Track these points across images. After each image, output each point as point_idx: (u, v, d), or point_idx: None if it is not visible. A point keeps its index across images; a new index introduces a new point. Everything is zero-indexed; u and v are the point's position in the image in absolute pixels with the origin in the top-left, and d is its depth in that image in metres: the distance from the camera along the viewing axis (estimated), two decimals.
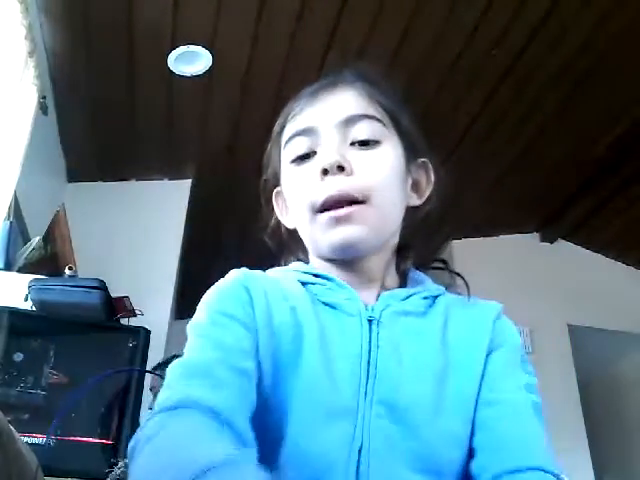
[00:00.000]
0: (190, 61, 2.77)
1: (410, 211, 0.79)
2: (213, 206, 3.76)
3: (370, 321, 0.70)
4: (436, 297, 0.77)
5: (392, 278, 0.77)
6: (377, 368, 0.67)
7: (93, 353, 1.84)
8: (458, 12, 2.57)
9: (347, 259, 0.73)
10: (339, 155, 0.70)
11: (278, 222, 0.82)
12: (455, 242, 4.20)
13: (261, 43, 2.70)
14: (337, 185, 0.69)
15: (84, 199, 3.27)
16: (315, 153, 0.73)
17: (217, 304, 0.71)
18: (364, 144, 0.72)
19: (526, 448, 0.69)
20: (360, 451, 0.63)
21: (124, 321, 2.11)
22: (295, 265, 0.79)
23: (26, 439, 1.38)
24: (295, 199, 0.75)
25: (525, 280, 4.07)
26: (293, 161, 0.75)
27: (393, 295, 0.74)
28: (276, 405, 0.64)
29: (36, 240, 2.27)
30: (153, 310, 2.50)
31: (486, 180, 3.63)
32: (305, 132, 0.74)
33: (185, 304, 4.26)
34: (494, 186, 3.68)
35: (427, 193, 0.80)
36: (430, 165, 0.81)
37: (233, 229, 3.92)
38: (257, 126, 3.20)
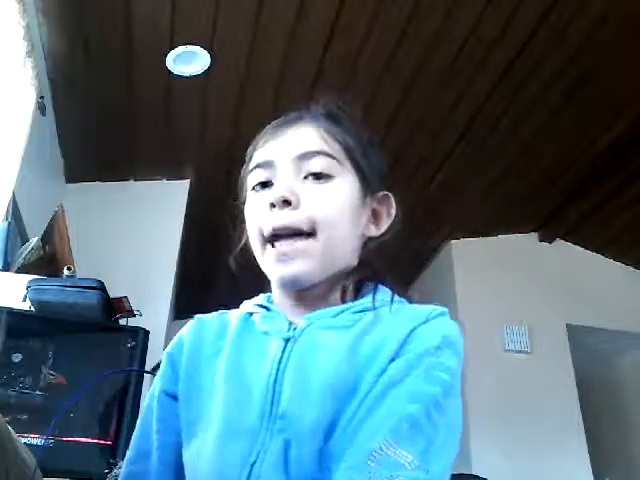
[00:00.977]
0: (189, 61, 2.77)
1: (368, 240, 0.82)
2: (212, 206, 3.76)
3: (288, 340, 0.72)
4: (370, 310, 0.74)
5: (337, 296, 0.77)
6: (282, 384, 0.69)
7: (92, 354, 1.83)
8: (456, 12, 2.57)
9: (298, 292, 0.76)
10: (287, 190, 0.74)
11: (245, 245, 0.86)
12: (454, 242, 4.21)
13: (259, 43, 2.70)
14: (282, 218, 0.73)
15: (82, 199, 3.27)
16: (272, 184, 0.77)
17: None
18: (317, 178, 0.76)
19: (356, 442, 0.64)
20: (253, 465, 0.65)
21: (123, 321, 2.11)
22: (256, 298, 0.84)
23: (24, 439, 1.38)
24: (249, 225, 0.80)
25: (524, 280, 4.07)
26: (252, 188, 0.80)
27: (325, 313, 0.74)
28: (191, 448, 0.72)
29: (34, 240, 2.27)
30: (152, 310, 2.50)
31: (485, 180, 3.64)
32: (264, 165, 0.79)
33: (184, 304, 4.26)
34: (493, 186, 3.68)
35: (386, 225, 0.83)
36: (392, 199, 0.84)
37: (232, 229, 3.92)
38: (256, 126, 3.19)
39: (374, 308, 0.74)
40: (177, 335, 0.82)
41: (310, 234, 0.73)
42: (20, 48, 2.31)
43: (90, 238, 2.92)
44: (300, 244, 0.73)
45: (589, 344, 4.10)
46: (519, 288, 4.04)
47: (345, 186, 0.77)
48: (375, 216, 0.83)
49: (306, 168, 0.76)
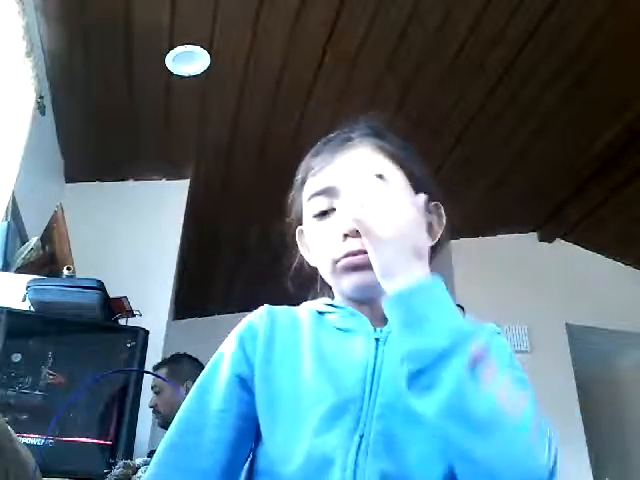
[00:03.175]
0: (188, 61, 2.77)
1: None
2: (211, 206, 3.76)
3: (377, 340, 0.77)
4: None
5: None
6: (381, 377, 0.73)
7: (91, 353, 1.83)
8: (455, 12, 2.57)
9: (368, 298, 0.79)
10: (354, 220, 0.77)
11: (302, 259, 0.91)
12: (454, 242, 4.20)
13: (259, 43, 2.70)
14: (356, 245, 0.76)
15: (82, 199, 3.27)
16: (334, 210, 0.81)
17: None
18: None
19: None
20: (362, 437, 0.69)
21: (122, 321, 2.11)
22: (321, 299, 0.88)
23: (24, 439, 1.38)
24: (318, 251, 0.83)
25: (523, 279, 4.07)
26: (315, 216, 0.83)
27: None
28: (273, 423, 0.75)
29: (34, 240, 2.27)
30: (151, 310, 2.50)
31: (484, 180, 3.64)
32: (325, 192, 0.82)
33: (183, 304, 4.26)
34: (492, 186, 3.69)
35: (438, 235, 0.86)
36: (442, 209, 0.88)
37: (231, 229, 3.92)
38: (255, 126, 3.21)
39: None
40: (246, 320, 0.84)
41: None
42: (19, 48, 2.31)
43: (90, 238, 2.92)
44: (363, 257, 0.74)
45: (589, 344, 4.10)
46: (519, 288, 4.04)
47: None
48: (430, 227, 0.85)
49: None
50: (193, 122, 3.17)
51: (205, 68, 2.81)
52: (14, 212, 2.36)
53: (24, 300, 1.91)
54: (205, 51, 2.72)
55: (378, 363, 0.75)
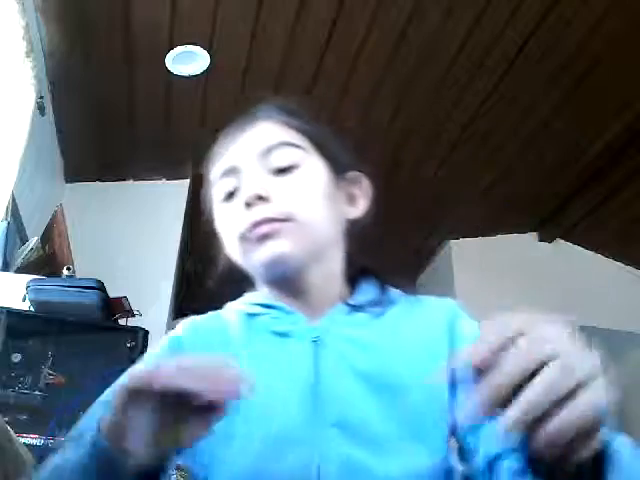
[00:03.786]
0: (188, 61, 2.77)
1: (353, 224, 0.81)
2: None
3: (316, 341, 0.72)
4: (384, 305, 0.77)
5: (339, 290, 0.79)
6: (325, 390, 0.68)
7: (91, 354, 1.83)
8: (455, 12, 2.57)
9: (286, 278, 0.75)
10: (257, 186, 0.73)
11: (227, 258, 0.83)
12: (453, 242, 4.21)
13: (259, 43, 2.70)
14: (259, 213, 0.72)
15: (82, 199, 3.27)
16: (239, 189, 0.76)
17: None
18: (284, 170, 0.75)
19: None
20: (319, 473, 0.63)
21: (122, 321, 2.11)
22: (246, 298, 0.82)
23: (24, 440, 1.38)
24: (226, 233, 0.78)
25: (523, 280, 4.07)
26: (222, 200, 0.78)
27: (340, 308, 0.76)
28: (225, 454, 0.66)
29: (34, 240, 2.27)
30: (151, 310, 2.50)
31: (484, 180, 3.64)
32: (228, 172, 0.78)
33: (183, 304, 4.26)
34: (492, 186, 3.69)
35: (363, 206, 0.83)
36: (364, 178, 0.84)
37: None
38: None
39: (389, 302, 0.77)
40: (167, 337, 0.78)
41: (282, 221, 0.73)
42: (19, 48, 2.31)
43: (90, 238, 2.92)
44: (278, 225, 0.72)
45: (589, 344, 4.09)
46: (518, 288, 4.04)
47: (313, 172, 0.77)
48: (351, 198, 0.82)
49: (271, 163, 0.76)
50: (193, 122, 3.17)
51: (205, 68, 2.81)
52: (14, 212, 2.36)
53: (24, 300, 1.91)
54: (205, 51, 2.72)
55: (321, 373, 0.69)
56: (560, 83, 2.95)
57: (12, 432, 1.01)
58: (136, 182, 3.55)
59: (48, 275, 2.12)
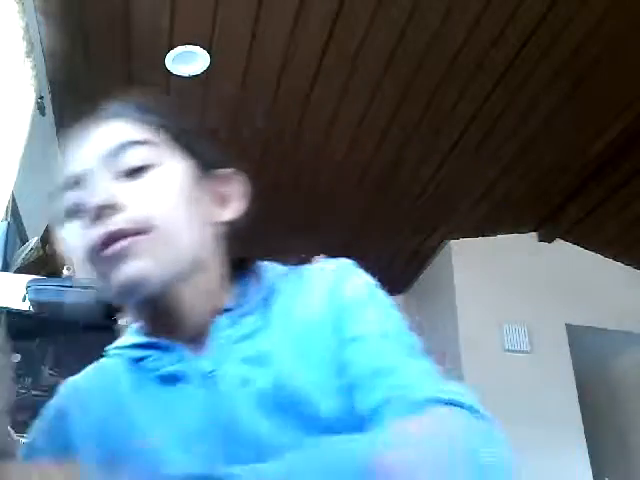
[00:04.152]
0: (188, 61, 2.77)
1: (228, 226, 0.71)
2: None
3: (206, 376, 0.63)
4: (268, 296, 0.69)
5: (221, 299, 0.68)
6: (235, 431, 0.60)
7: (91, 354, 1.83)
8: (455, 12, 2.57)
9: (153, 302, 0.64)
10: (103, 196, 0.61)
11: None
12: (453, 242, 4.20)
13: (259, 43, 2.70)
14: (110, 225, 0.60)
15: None
16: (85, 201, 0.64)
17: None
18: (135, 172, 0.64)
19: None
20: None
21: (122, 321, 2.11)
22: (126, 338, 0.73)
23: (24, 440, 1.37)
24: (75, 257, 0.65)
25: (523, 280, 4.07)
26: (65, 218, 0.66)
27: (225, 321, 0.66)
28: None
29: (34, 240, 2.27)
30: None
31: (484, 180, 3.64)
32: (71, 184, 0.65)
33: None
34: (492, 186, 3.68)
35: (237, 206, 0.71)
36: (238, 177, 0.73)
37: None
38: (255, 126, 3.20)
39: (272, 290, 0.69)
40: (49, 406, 0.70)
41: (140, 232, 0.61)
42: (19, 48, 2.31)
43: None
44: (131, 240, 0.60)
45: (589, 344, 4.10)
46: (518, 288, 4.04)
47: (170, 171, 0.65)
48: (222, 198, 0.71)
49: (120, 166, 0.64)
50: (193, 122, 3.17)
51: (205, 68, 2.81)
52: (14, 212, 2.36)
53: (24, 300, 1.90)
54: (205, 51, 2.72)
55: (224, 412, 0.61)
56: (560, 83, 2.95)
57: (12, 432, 1.01)
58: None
59: (48, 275, 2.11)
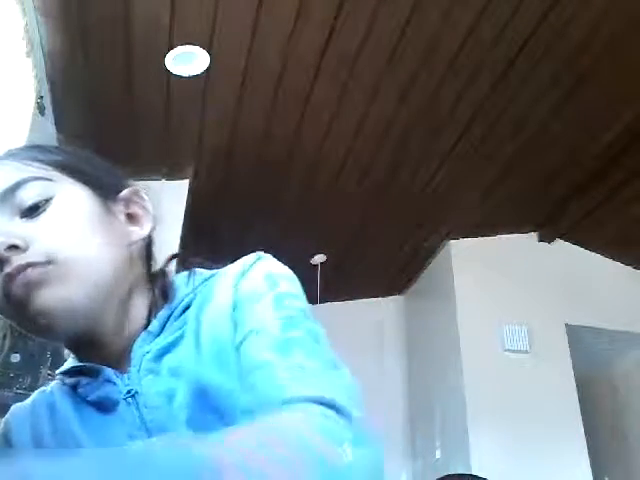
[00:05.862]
0: (188, 61, 2.77)
1: (144, 242, 0.73)
2: (211, 206, 3.76)
3: (132, 396, 0.63)
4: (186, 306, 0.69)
5: (141, 317, 0.68)
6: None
7: None
8: (456, 11, 2.57)
9: (78, 332, 0.63)
10: (7, 236, 0.60)
11: None
12: (453, 242, 4.21)
13: (259, 44, 2.70)
14: (12, 264, 0.60)
15: None
16: None
17: None
18: (34, 209, 0.63)
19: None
20: None
21: None
22: (64, 366, 0.72)
23: None
24: None
25: (523, 279, 4.07)
26: None
27: (143, 339, 0.66)
28: None
29: None
30: None
31: (484, 180, 3.64)
32: None
33: None
34: (492, 186, 3.69)
35: (148, 222, 0.74)
36: (141, 193, 0.75)
37: (231, 229, 3.92)
38: (255, 126, 3.21)
39: (186, 296, 0.69)
40: None
41: (47, 264, 0.61)
42: (19, 48, 2.31)
43: None
44: (38, 270, 0.60)
45: (589, 344, 4.10)
46: (518, 288, 4.04)
47: (70, 202, 0.65)
48: (132, 218, 0.73)
49: (17, 206, 0.63)
50: (193, 122, 3.17)
51: (205, 68, 2.81)
52: None
53: None
54: (205, 51, 2.72)
55: (152, 432, 0.61)
56: (560, 83, 2.95)
57: None
58: (136, 182, 3.54)
59: None
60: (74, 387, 0.68)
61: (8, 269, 0.59)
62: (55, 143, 3.18)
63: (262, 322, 0.62)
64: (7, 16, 2.21)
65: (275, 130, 3.20)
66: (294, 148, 3.32)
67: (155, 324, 0.67)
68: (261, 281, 0.66)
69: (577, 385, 3.83)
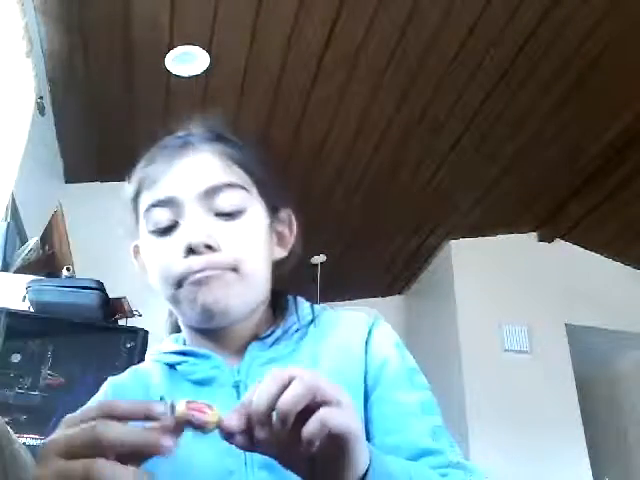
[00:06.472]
0: (188, 61, 2.77)
1: (278, 263, 0.77)
2: None
3: (237, 386, 0.69)
4: (303, 329, 0.75)
5: (260, 325, 0.75)
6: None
7: (91, 354, 1.83)
8: (455, 11, 2.57)
9: (220, 328, 0.71)
10: (205, 234, 0.68)
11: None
12: (453, 242, 4.21)
13: (258, 44, 2.70)
14: (202, 261, 0.67)
15: (81, 200, 3.26)
16: (177, 224, 0.70)
17: None
18: (229, 215, 0.70)
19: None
20: None
21: (122, 322, 2.11)
22: (163, 346, 0.79)
23: (24, 440, 1.38)
24: (157, 272, 0.72)
25: (523, 280, 4.07)
26: (154, 231, 0.72)
27: (258, 346, 0.72)
28: None
29: (34, 241, 2.27)
30: (152, 310, 2.50)
31: (484, 180, 3.64)
32: (165, 203, 0.71)
33: None
34: (492, 186, 3.69)
35: (290, 244, 0.79)
36: (292, 216, 0.80)
37: None
38: (254, 126, 3.20)
39: (308, 324, 0.75)
40: (96, 398, 0.74)
41: (234, 269, 0.69)
42: (19, 48, 2.31)
43: (89, 238, 2.92)
44: (222, 272, 0.67)
45: (589, 344, 4.10)
46: (518, 288, 4.04)
47: (257, 217, 0.73)
48: (281, 238, 0.78)
49: (215, 205, 0.70)
50: None
51: (205, 68, 2.81)
52: (14, 212, 2.36)
53: (24, 300, 1.90)
54: (205, 51, 2.72)
55: None
56: (560, 83, 2.95)
57: (12, 433, 1.01)
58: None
59: (48, 275, 2.11)
60: (172, 365, 0.73)
61: (197, 263, 0.67)
62: (55, 143, 3.18)
63: (414, 399, 0.70)
64: (7, 16, 2.21)
65: (275, 130, 3.20)
66: (294, 148, 3.33)
67: (273, 336, 0.73)
68: (394, 347, 0.74)
69: (577, 385, 3.83)
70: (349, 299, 4.82)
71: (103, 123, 3.15)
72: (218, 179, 0.71)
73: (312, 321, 0.75)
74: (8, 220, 2.26)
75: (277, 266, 0.76)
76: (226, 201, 0.70)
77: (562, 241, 4.25)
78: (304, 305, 0.78)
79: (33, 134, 2.50)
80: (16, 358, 1.74)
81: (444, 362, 4.00)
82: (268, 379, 0.47)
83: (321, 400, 0.47)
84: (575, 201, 3.81)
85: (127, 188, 0.80)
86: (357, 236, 4.12)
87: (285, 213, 0.79)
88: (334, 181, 3.61)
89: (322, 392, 0.47)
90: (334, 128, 3.20)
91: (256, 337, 0.73)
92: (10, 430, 1.00)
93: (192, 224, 0.69)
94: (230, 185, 0.71)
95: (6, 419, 1.20)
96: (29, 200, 2.58)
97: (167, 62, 2.76)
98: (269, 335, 0.73)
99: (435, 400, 0.72)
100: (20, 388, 1.70)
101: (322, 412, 0.46)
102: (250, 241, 0.71)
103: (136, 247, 0.81)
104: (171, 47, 2.69)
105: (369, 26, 2.63)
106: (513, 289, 4.04)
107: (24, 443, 1.24)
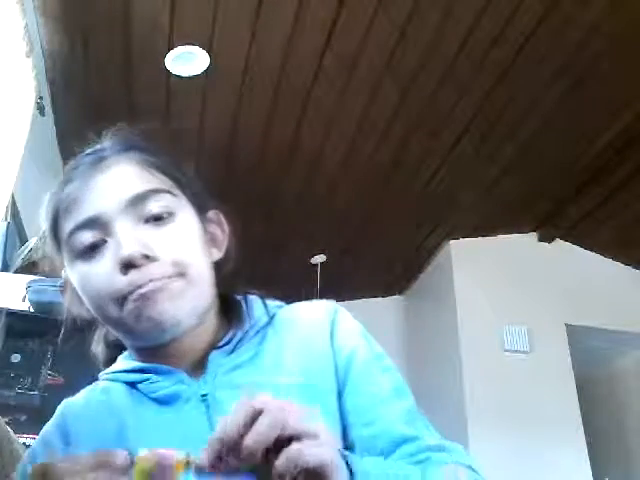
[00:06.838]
0: (188, 61, 2.77)
1: (215, 267, 0.74)
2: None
3: (205, 400, 0.66)
4: (261, 329, 0.73)
5: (214, 332, 0.72)
6: None
7: (91, 354, 1.83)
8: (455, 12, 2.57)
9: (170, 340, 0.67)
10: (140, 243, 0.64)
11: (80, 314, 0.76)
12: (453, 242, 4.21)
13: (258, 44, 2.70)
14: (145, 276, 0.63)
15: None
16: (106, 242, 0.66)
17: None
18: (159, 219, 0.67)
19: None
20: None
21: None
22: (119, 364, 0.75)
23: (23, 440, 1.38)
24: (94, 299, 0.68)
25: (523, 280, 4.07)
26: (80, 254, 0.67)
27: (219, 354, 0.69)
28: None
29: (34, 240, 2.27)
30: None
31: (484, 180, 3.64)
32: (89, 224, 0.66)
33: None
34: (492, 186, 3.69)
35: (224, 245, 0.76)
36: (221, 215, 0.78)
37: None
38: (254, 126, 3.20)
39: (266, 325, 0.73)
40: (50, 426, 0.71)
41: (180, 275, 0.66)
42: (19, 48, 2.31)
43: None
44: (163, 282, 0.64)
45: (589, 344, 4.10)
46: (518, 288, 4.04)
47: (188, 219, 0.70)
48: (214, 239, 0.76)
49: (144, 212, 0.66)
50: (193, 122, 3.17)
51: (205, 68, 2.81)
52: (14, 212, 2.36)
53: (24, 301, 1.90)
54: (204, 51, 2.72)
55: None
56: (560, 83, 2.95)
57: (12, 433, 1.01)
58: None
59: (48, 276, 2.11)
60: (131, 384, 0.70)
61: (138, 278, 0.63)
62: (55, 143, 3.18)
63: (387, 388, 0.70)
64: (7, 16, 2.21)
65: (275, 130, 3.20)
66: (294, 148, 3.33)
67: (231, 343, 0.70)
68: (358, 334, 0.74)
69: (577, 385, 3.83)
70: (349, 299, 4.81)
71: (103, 123, 3.14)
72: (142, 186, 0.68)
73: (269, 322, 0.73)
74: (8, 220, 2.26)
75: (217, 268, 0.73)
76: (154, 206, 0.67)
77: (562, 241, 4.25)
78: (257, 305, 0.75)
79: (33, 134, 2.50)
80: (16, 358, 1.74)
81: (444, 362, 4.00)
82: (236, 410, 0.46)
83: (290, 435, 0.45)
84: (575, 201, 3.81)
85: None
86: (357, 236, 4.12)
87: (213, 213, 0.76)
88: (334, 181, 3.61)
89: (291, 427, 0.45)
90: (334, 128, 3.20)
91: (212, 347, 0.70)
92: (10, 430, 1.00)
93: (123, 237, 0.64)
94: (155, 191, 0.68)
95: (6, 419, 1.20)
96: (29, 200, 2.58)
97: (167, 62, 2.76)
98: (227, 342, 0.70)
99: (403, 380, 0.73)
100: (20, 388, 1.70)
101: (292, 449, 0.45)
102: (187, 244, 0.68)
103: (64, 283, 0.75)
104: (171, 47, 2.69)
105: (369, 26, 2.63)
106: (513, 289, 4.04)
107: (24, 443, 1.24)
